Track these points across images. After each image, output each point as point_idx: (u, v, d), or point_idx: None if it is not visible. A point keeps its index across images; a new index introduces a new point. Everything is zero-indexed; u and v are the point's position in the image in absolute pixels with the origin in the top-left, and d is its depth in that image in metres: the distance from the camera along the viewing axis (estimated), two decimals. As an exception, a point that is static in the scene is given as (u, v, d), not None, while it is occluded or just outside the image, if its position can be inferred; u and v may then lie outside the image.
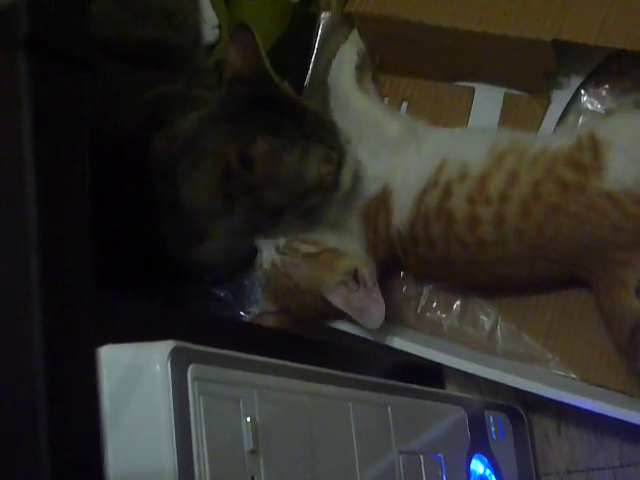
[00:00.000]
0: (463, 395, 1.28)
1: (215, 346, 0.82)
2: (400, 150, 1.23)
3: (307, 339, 1.22)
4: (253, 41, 1.15)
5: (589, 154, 1.13)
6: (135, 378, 0.75)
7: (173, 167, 1.13)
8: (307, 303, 1.19)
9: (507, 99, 1.32)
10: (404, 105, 1.36)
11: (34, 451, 0.58)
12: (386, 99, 1.36)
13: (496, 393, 1.29)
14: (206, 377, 0.78)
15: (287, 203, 1.12)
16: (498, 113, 1.32)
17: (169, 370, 0.74)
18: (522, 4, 1.21)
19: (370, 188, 1.21)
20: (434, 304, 1.32)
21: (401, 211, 1.20)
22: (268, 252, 1.19)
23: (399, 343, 1.22)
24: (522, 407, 1.31)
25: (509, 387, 1.21)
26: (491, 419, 1.24)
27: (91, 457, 0.62)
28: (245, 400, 0.81)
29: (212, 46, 1.40)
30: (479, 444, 1.19)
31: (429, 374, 1.28)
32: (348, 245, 1.20)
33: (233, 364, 0.83)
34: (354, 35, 1.32)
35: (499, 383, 1.21)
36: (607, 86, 1.29)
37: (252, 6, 1.38)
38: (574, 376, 1.25)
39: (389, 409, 1.03)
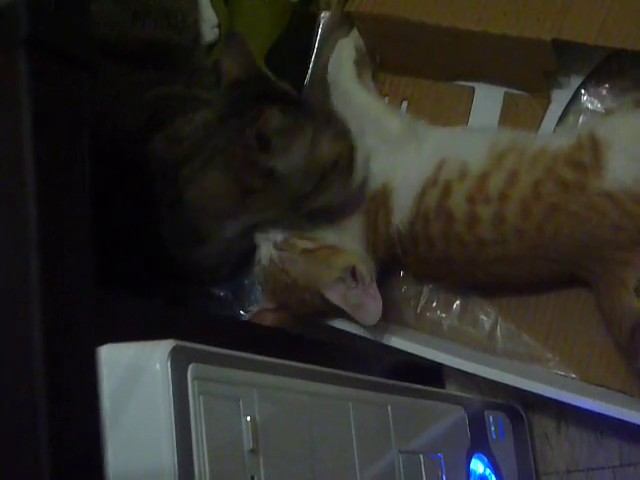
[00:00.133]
0: (463, 395, 1.28)
1: (215, 345, 0.82)
2: (400, 148, 1.23)
3: (307, 338, 1.22)
4: (245, 49, 1.17)
5: (589, 153, 1.13)
6: (135, 377, 0.75)
7: (174, 168, 1.13)
8: (305, 300, 1.19)
9: (507, 99, 1.32)
10: (404, 104, 1.36)
11: (34, 451, 0.58)
12: (386, 98, 1.36)
13: (496, 393, 1.29)
14: (206, 376, 0.78)
15: (306, 188, 1.12)
16: (498, 113, 1.32)
17: (169, 369, 0.74)
18: (522, 4, 1.21)
19: (370, 186, 1.21)
20: (434, 304, 1.32)
21: (401, 210, 1.20)
22: (266, 248, 1.19)
23: (399, 343, 1.22)
24: (522, 407, 1.31)
25: (509, 387, 1.21)
26: (491, 419, 1.24)
27: (91, 457, 0.62)
28: (245, 399, 0.81)
29: (211, 45, 1.40)
30: (479, 444, 1.19)
31: (429, 374, 1.28)
32: (347, 242, 1.20)
33: (233, 363, 0.83)
34: (354, 33, 1.33)
35: (499, 383, 1.21)
36: (607, 85, 1.29)
37: (252, 5, 1.38)
38: (574, 376, 1.25)
39: (389, 408, 1.03)
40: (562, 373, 1.25)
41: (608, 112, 1.28)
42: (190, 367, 0.76)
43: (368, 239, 1.22)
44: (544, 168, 1.15)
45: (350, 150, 1.14)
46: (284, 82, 1.20)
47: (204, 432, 0.75)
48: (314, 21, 1.34)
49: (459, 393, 1.30)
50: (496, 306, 1.29)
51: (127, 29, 1.27)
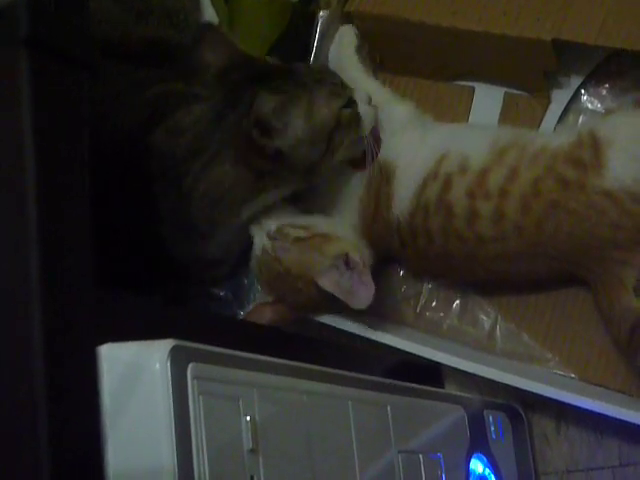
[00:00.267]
0: (462, 394, 1.28)
1: (215, 345, 0.82)
2: (406, 132, 1.23)
3: (307, 338, 1.22)
4: (223, 36, 1.17)
5: (589, 152, 1.13)
6: (135, 377, 0.75)
7: (177, 163, 1.13)
8: (299, 288, 1.18)
9: (507, 98, 1.32)
10: (404, 104, 1.36)
11: (34, 451, 0.58)
12: (386, 98, 1.36)
13: (495, 392, 1.29)
14: (206, 376, 0.78)
15: (316, 154, 1.12)
16: (498, 112, 1.32)
17: (169, 369, 0.75)
18: (522, 4, 1.22)
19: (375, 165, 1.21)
20: (433, 303, 1.32)
21: (402, 201, 1.20)
22: (260, 238, 1.19)
23: (398, 342, 1.22)
24: (521, 406, 1.31)
25: (508, 386, 1.21)
26: (490, 418, 1.24)
27: (91, 457, 0.62)
28: (245, 399, 0.81)
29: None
30: (478, 443, 1.19)
31: (428, 373, 1.28)
32: (339, 230, 1.20)
33: (233, 363, 0.83)
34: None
35: (498, 382, 1.21)
36: (607, 85, 1.30)
37: (252, 5, 1.38)
38: (573, 376, 1.25)
39: (388, 408, 1.03)
40: (562, 373, 1.25)
41: (608, 112, 1.28)
42: (190, 366, 0.76)
43: (365, 219, 1.21)
44: (544, 165, 1.15)
45: (349, 103, 1.14)
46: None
47: (204, 432, 0.75)
48: (314, 20, 1.34)
49: (459, 393, 1.30)
50: (496, 306, 1.30)
51: (130, 29, 1.28)
